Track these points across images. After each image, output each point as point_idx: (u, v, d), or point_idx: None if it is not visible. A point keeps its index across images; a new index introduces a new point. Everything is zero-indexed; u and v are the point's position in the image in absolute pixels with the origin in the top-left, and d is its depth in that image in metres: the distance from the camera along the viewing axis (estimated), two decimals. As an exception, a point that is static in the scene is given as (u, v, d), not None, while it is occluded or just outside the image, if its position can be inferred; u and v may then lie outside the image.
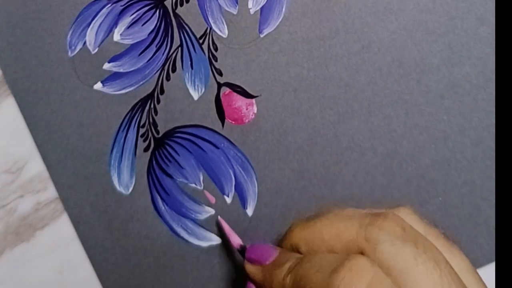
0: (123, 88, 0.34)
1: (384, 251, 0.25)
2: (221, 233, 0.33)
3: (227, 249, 0.34)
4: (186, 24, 0.33)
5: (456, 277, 0.25)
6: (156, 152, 0.34)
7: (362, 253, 0.26)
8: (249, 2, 0.33)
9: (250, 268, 0.30)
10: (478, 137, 0.32)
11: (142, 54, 0.33)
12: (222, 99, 0.33)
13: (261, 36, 0.33)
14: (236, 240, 0.32)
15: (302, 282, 0.26)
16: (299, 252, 0.29)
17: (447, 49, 0.32)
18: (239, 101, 0.33)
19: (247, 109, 0.33)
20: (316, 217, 0.29)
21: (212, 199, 0.33)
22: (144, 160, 0.34)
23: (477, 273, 0.28)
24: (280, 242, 0.31)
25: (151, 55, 0.33)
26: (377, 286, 0.24)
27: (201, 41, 0.33)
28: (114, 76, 0.34)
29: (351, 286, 0.24)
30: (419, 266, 0.25)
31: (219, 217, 0.33)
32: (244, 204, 0.33)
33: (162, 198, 0.34)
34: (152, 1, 0.33)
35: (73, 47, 0.34)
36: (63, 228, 0.35)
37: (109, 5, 0.34)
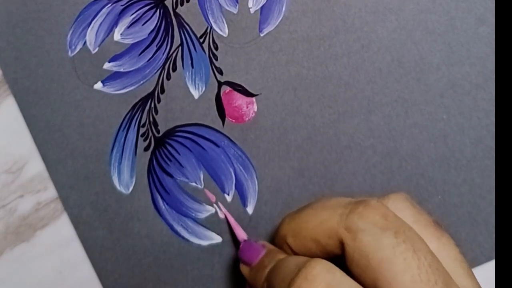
0: (124, 88, 0.34)
1: (363, 240, 0.25)
2: (228, 226, 0.33)
3: (228, 248, 0.34)
4: (187, 24, 0.33)
5: (437, 267, 0.24)
6: (157, 151, 0.34)
7: (342, 242, 0.26)
8: (249, 2, 0.33)
9: (242, 269, 0.30)
10: (477, 136, 0.32)
11: (143, 54, 0.34)
12: (223, 97, 0.33)
13: (261, 35, 0.33)
14: (241, 235, 0.32)
15: None
16: (287, 244, 0.29)
17: (447, 49, 0.32)
18: (240, 100, 0.33)
19: (247, 107, 0.33)
20: (303, 207, 0.29)
21: (213, 198, 0.33)
22: (144, 160, 0.34)
23: (465, 263, 0.27)
24: (273, 236, 0.31)
25: (151, 55, 0.33)
26: None
27: (201, 40, 0.33)
28: (114, 76, 0.34)
29: None
30: (397, 256, 0.24)
31: (224, 209, 0.33)
32: (244, 203, 0.33)
33: (162, 198, 0.34)
34: (152, 1, 0.33)
35: (73, 47, 0.34)
36: (63, 228, 0.34)
37: (109, 4, 0.34)
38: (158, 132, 0.34)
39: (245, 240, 0.32)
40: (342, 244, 0.26)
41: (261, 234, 0.33)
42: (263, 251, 0.30)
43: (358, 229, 0.25)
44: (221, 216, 0.34)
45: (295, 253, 0.28)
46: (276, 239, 0.30)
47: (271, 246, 0.30)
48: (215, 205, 0.34)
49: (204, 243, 0.34)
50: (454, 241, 0.28)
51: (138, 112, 0.34)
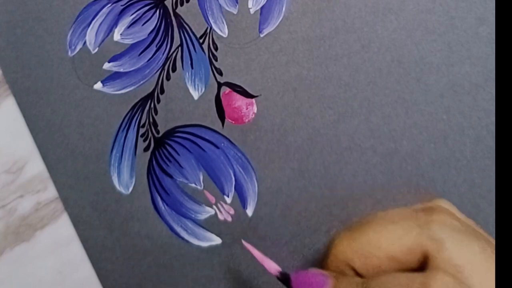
0: (123, 88, 0.34)
1: (450, 248, 0.24)
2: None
3: (228, 250, 0.34)
4: (186, 24, 0.33)
5: None
6: (156, 151, 0.34)
7: (426, 254, 0.25)
8: (249, 2, 0.33)
9: None
10: (477, 136, 0.32)
11: (142, 54, 0.33)
12: (222, 98, 0.33)
13: (261, 35, 0.33)
14: (272, 267, 0.29)
15: None
16: (352, 269, 0.27)
17: (447, 49, 0.32)
18: (239, 101, 0.33)
19: (247, 108, 0.33)
20: (361, 225, 0.27)
21: (212, 199, 0.33)
22: (144, 160, 0.34)
23: None
24: (322, 262, 0.29)
25: (151, 55, 0.33)
26: None
27: (201, 40, 0.33)
28: (114, 76, 0.34)
29: None
30: (488, 260, 0.24)
31: (244, 242, 0.31)
32: (244, 204, 0.33)
33: (162, 198, 0.34)
34: (152, 1, 0.33)
35: (73, 47, 0.34)
36: (63, 228, 0.35)
37: (109, 4, 0.34)
38: (157, 132, 0.34)
39: (294, 272, 0.29)
40: (424, 257, 0.25)
41: (260, 236, 0.33)
42: (329, 278, 0.27)
43: (442, 237, 0.25)
44: (221, 217, 0.34)
45: (359, 275, 0.27)
46: (330, 265, 0.28)
47: (331, 273, 0.28)
48: (214, 206, 0.34)
49: (204, 244, 0.34)
50: None
51: (138, 113, 0.34)
